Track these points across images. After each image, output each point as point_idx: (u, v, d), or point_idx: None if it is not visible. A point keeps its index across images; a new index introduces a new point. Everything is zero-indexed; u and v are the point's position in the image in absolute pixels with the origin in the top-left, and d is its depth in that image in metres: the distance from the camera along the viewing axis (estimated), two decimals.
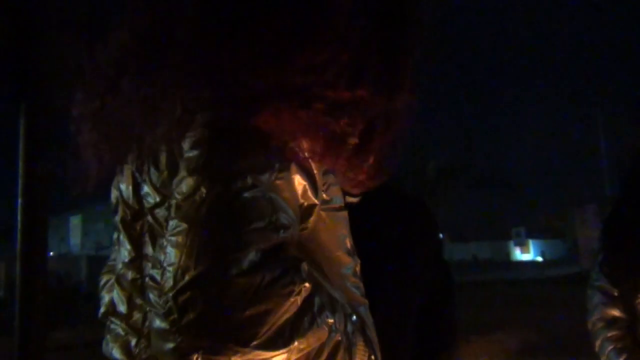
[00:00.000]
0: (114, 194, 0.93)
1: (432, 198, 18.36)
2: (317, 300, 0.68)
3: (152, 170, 0.81)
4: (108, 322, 0.92)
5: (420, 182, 18.82)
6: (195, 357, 0.62)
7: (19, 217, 1.79)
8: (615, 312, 1.79)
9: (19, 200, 1.80)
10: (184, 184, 0.69)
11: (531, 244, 50.21)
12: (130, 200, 0.86)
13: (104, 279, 1.07)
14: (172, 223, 0.68)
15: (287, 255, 0.67)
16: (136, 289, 0.84)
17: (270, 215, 0.67)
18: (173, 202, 0.71)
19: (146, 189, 0.82)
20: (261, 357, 0.64)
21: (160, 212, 0.79)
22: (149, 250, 0.82)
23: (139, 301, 0.84)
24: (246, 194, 0.67)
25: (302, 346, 0.66)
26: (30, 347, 1.79)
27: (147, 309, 0.80)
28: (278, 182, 0.70)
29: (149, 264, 0.81)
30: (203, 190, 0.67)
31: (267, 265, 0.64)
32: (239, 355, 0.63)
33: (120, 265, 0.89)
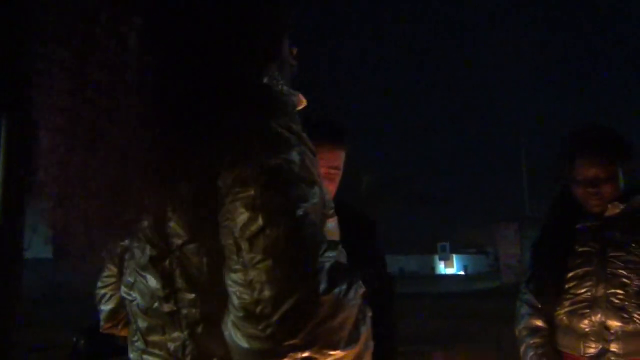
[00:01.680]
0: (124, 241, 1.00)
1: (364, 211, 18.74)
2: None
3: (179, 209, 0.88)
4: (135, 350, 1.00)
5: (353, 196, 19.18)
6: None
7: None
8: (538, 322, 2.04)
9: None
10: (244, 220, 0.79)
11: (455, 258, 51.63)
12: (156, 240, 0.93)
13: (100, 293, 1.20)
14: (249, 256, 0.77)
15: (345, 266, 0.82)
16: (174, 321, 0.92)
17: (324, 238, 0.82)
18: (235, 236, 0.79)
19: (173, 226, 0.90)
20: (342, 355, 0.79)
21: (191, 248, 0.88)
22: (180, 284, 0.91)
23: (176, 332, 0.92)
24: (307, 224, 0.80)
25: (364, 337, 0.83)
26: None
27: (188, 338, 0.89)
28: (317, 209, 0.84)
29: (186, 296, 0.89)
30: (271, 225, 0.78)
31: (338, 281, 0.79)
32: (332, 357, 0.78)
33: (146, 299, 0.95)
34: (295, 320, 0.76)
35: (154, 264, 0.93)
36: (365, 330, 0.83)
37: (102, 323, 1.20)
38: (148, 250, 0.94)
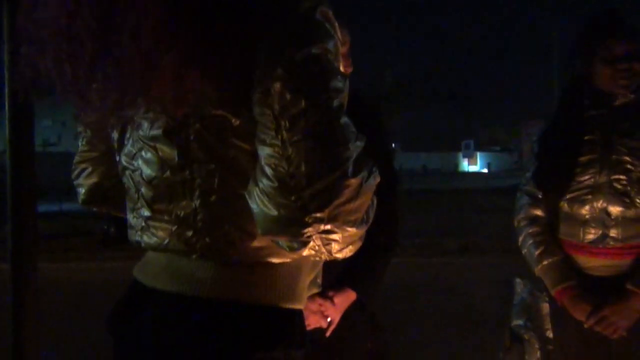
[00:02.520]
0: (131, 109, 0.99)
1: (387, 108, 18.61)
2: None
3: (208, 84, 0.90)
4: (138, 217, 1.04)
5: (376, 92, 18.97)
6: (314, 237, 0.86)
7: None
8: (537, 212, 2.07)
9: None
10: (286, 101, 0.84)
11: (478, 156, 51.61)
12: (172, 112, 0.94)
13: (79, 168, 1.20)
14: (289, 134, 0.84)
15: (367, 157, 0.90)
16: (185, 190, 0.96)
17: (354, 130, 0.89)
18: (275, 114, 0.85)
19: (198, 100, 0.91)
20: (354, 234, 0.89)
21: (215, 121, 0.92)
22: (198, 155, 0.94)
23: (185, 201, 0.96)
24: (342, 113, 0.88)
25: (371, 220, 0.94)
26: None
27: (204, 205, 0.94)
28: (347, 99, 0.90)
29: (204, 167, 0.94)
30: (312, 110, 0.85)
31: (362, 168, 0.87)
32: (346, 233, 0.88)
33: (153, 168, 0.98)
34: (324, 197, 0.84)
35: (168, 135, 0.96)
36: (372, 215, 0.94)
37: (82, 197, 1.21)
38: (163, 121, 0.96)
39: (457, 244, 8.98)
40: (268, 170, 0.86)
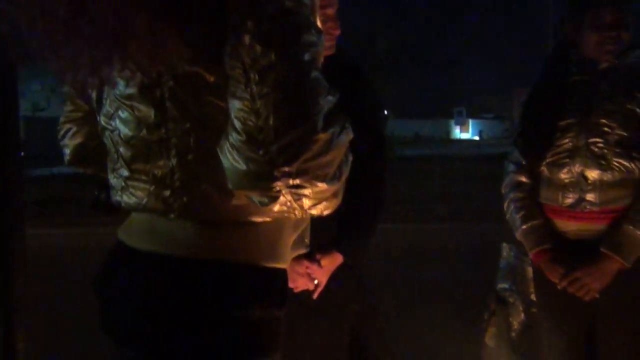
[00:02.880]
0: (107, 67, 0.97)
1: (379, 75, 18.47)
2: None
3: (180, 40, 0.88)
4: (118, 177, 1.03)
5: (368, 58, 18.80)
6: (284, 192, 0.85)
7: None
8: (522, 178, 2.10)
9: None
10: (257, 53, 0.83)
11: (471, 123, 51.59)
12: (148, 69, 0.93)
13: (64, 128, 1.21)
14: (258, 88, 0.83)
15: (339, 111, 0.88)
16: (161, 149, 0.96)
17: (326, 84, 0.88)
18: (245, 67, 0.83)
19: (172, 54, 0.90)
20: (326, 189, 0.88)
21: (190, 77, 0.91)
22: (174, 113, 0.94)
23: (162, 160, 0.96)
24: (313, 68, 0.86)
25: (344, 177, 0.92)
26: None
27: (177, 164, 0.94)
28: (321, 54, 0.89)
29: (179, 126, 0.93)
30: (282, 62, 0.83)
31: (333, 123, 0.86)
32: (317, 188, 0.87)
33: (130, 127, 0.98)
34: (292, 151, 0.83)
35: (144, 93, 0.96)
36: (346, 172, 0.93)
37: (68, 158, 1.22)
38: (137, 79, 0.95)
39: (448, 210, 9.05)
40: (237, 124, 0.86)
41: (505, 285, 2.41)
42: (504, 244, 2.52)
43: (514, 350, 2.29)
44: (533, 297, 2.28)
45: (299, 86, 0.85)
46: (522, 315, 2.36)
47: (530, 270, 2.25)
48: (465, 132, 51.37)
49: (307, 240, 1.11)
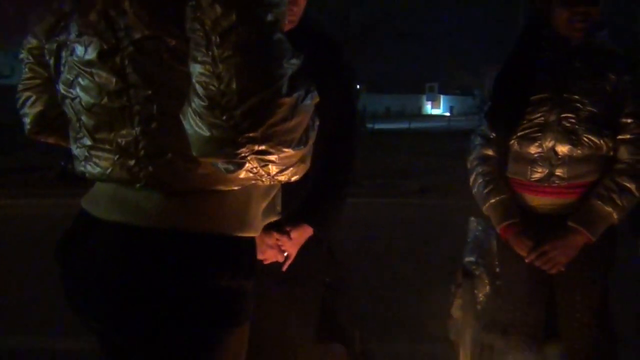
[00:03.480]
0: (63, 34, 0.96)
1: (352, 50, 18.38)
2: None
3: (136, 4, 0.88)
4: (81, 146, 1.01)
5: (341, 32, 18.68)
6: (250, 158, 0.84)
7: None
8: (489, 152, 2.12)
9: None
10: (217, 14, 0.79)
11: (442, 99, 51.92)
12: (106, 34, 0.91)
13: (23, 96, 1.17)
14: (219, 51, 0.80)
15: (304, 74, 0.86)
16: (124, 117, 0.94)
17: (290, 46, 0.84)
18: (206, 29, 0.80)
19: (130, 19, 0.89)
20: (292, 154, 0.86)
21: (150, 43, 0.89)
22: (135, 80, 0.91)
23: (125, 129, 0.94)
24: (276, 29, 0.83)
25: (311, 142, 0.91)
26: None
27: (142, 132, 0.91)
28: (285, 16, 0.86)
29: (141, 93, 0.91)
30: (243, 23, 0.79)
31: (298, 87, 0.83)
32: (283, 153, 0.85)
33: (91, 94, 0.95)
34: (256, 116, 0.81)
35: (103, 60, 0.93)
36: (312, 136, 0.91)
37: (28, 127, 1.18)
38: (96, 45, 0.92)
39: (418, 185, 9.14)
40: (199, 89, 0.83)
41: (472, 259, 2.45)
42: (472, 219, 2.55)
43: (479, 321, 2.34)
44: (498, 269, 2.32)
45: (261, 48, 0.82)
46: (488, 287, 2.41)
47: (495, 244, 2.29)
48: (436, 108, 51.69)
49: (278, 208, 1.10)
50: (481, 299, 2.41)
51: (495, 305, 2.31)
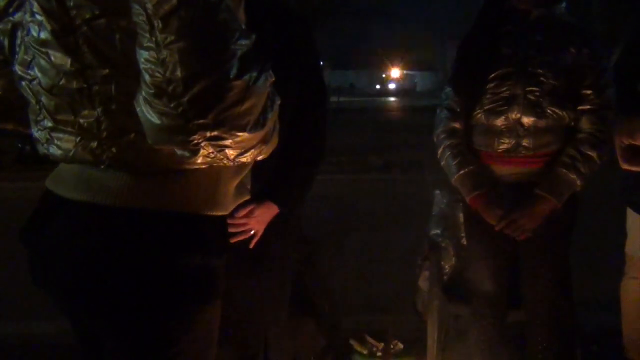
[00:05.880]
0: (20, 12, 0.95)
1: (315, 25, 18.25)
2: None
3: None
4: (42, 129, 0.99)
5: (305, 7, 18.51)
6: (204, 144, 0.82)
7: None
8: (456, 125, 2.15)
9: None
10: None
11: (406, 75, 52.13)
12: (56, 14, 0.89)
13: None
14: (162, 36, 0.77)
15: (257, 54, 0.82)
16: (84, 97, 0.92)
17: (239, 26, 0.82)
18: (148, 13, 0.77)
19: (78, 1, 0.87)
20: (248, 138, 0.84)
21: (100, 23, 0.86)
22: (90, 60, 0.89)
23: (86, 110, 0.92)
24: (222, 9, 0.79)
25: (270, 123, 0.88)
26: None
27: (105, 113, 0.90)
28: None
29: (98, 73, 0.89)
30: (185, 5, 0.76)
31: (249, 68, 0.80)
32: (237, 138, 0.83)
33: (50, 75, 0.93)
34: (205, 102, 0.79)
35: (57, 39, 0.90)
36: (272, 116, 0.88)
37: None
38: (47, 25, 0.90)
39: (382, 160, 9.20)
40: (146, 77, 0.80)
41: (438, 231, 2.50)
42: (437, 192, 2.59)
43: (445, 292, 2.39)
44: (464, 241, 2.37)
45: (205, 31, 0.78)
46: (453, 258, 2.46)
47: (461, 216, 2.34)
48: (397, 83, 51.89)
49: (249, 187, 1.09)
50: (447, 270, 2.46)
51: (461, 276, 2.36)
